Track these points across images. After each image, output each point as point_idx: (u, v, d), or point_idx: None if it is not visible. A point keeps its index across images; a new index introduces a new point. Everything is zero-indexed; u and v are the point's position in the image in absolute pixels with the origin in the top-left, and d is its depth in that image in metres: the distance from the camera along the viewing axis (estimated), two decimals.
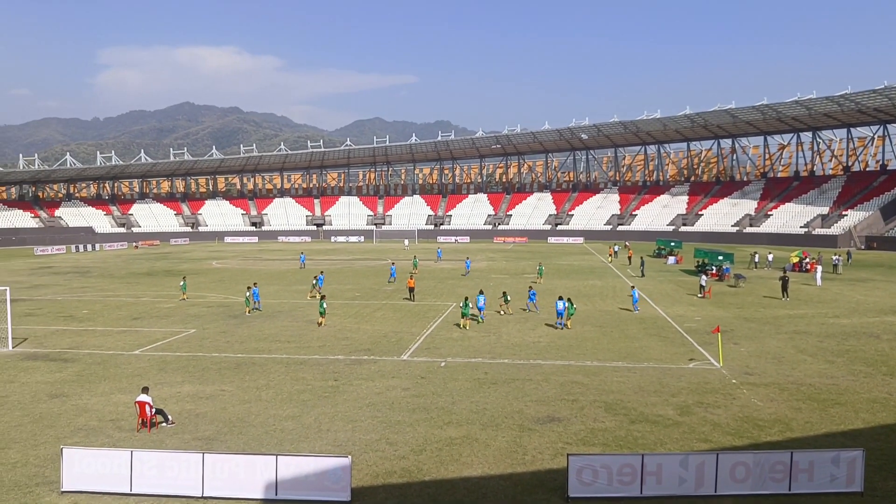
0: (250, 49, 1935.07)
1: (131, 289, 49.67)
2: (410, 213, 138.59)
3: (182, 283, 44.72)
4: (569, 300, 32.89)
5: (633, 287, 40.18)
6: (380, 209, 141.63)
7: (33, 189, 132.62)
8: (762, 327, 32.08)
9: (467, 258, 64.08)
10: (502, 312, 36.16)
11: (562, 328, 32.12)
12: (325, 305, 33.96)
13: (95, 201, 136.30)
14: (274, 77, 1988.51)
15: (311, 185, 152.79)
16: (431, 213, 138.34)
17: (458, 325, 32.72)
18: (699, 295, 42.45)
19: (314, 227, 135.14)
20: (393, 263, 56.01)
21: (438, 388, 21.67)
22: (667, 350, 27.23)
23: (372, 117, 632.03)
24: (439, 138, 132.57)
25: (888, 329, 31.37)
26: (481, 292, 36.14)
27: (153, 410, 18.06)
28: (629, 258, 68.58)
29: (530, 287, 41.07)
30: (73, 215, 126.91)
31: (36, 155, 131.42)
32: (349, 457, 13.95)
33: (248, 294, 38.42)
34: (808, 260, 58.39)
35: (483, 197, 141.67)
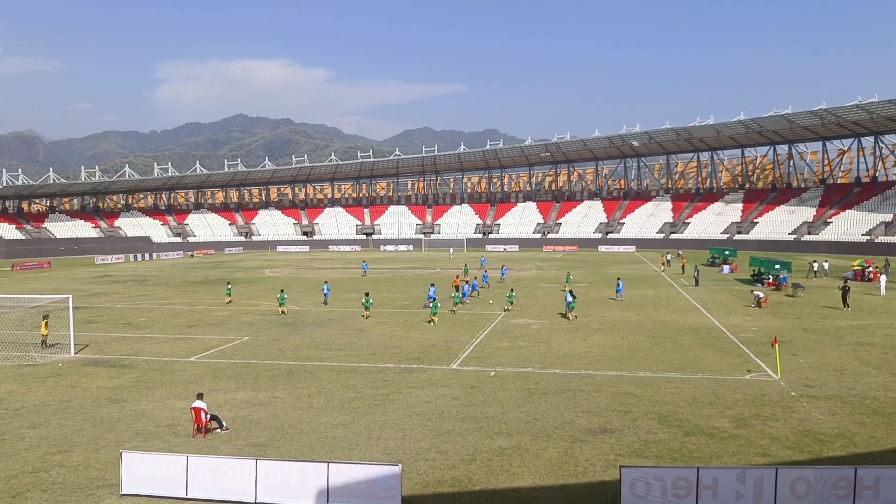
0: (301, 61, 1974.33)
1: (187, 297, 50.86)
2: (459, 221, 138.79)
3: (227, 287, 48.37)
4: (570, 293, 39.54)
5: (618, 278, 47.57)
6: (428, 218, 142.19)
7: (94, 200, 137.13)
8: (822, 338, 31.07)
9: (503, 266, 67.84)
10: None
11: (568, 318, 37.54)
12: (371, 300, 39.62)
13: (152, 211, 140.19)
14: (324, 88, 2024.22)
15: (360, 195, 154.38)
16: (480, 221, 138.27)
17: (430, 322, 36.49)
18: (753, 306, 41.36)
19: (364, 236, 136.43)
20: (486, 271, 60.62)
21: (488, 398, 21.56)
22: (722, 361, 26.59)
23: (420, 127, 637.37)
24: (487, 147, 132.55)
25: None
26: (433, 285, 44.93)
27: (208, 416, 18.40)
28: (682, 267, 67.34)
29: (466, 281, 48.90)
30: (132, 225, 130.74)
31: (97, 167, 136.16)
32: (399, 465, 13.96)
33: (281, 296, 42.29)
34: (870, 269, 56.44)
35: (532, 205, 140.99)
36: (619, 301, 44.40)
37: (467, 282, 49.49)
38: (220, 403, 21.02)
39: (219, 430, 18.50)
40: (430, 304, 38.51)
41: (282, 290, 44.00)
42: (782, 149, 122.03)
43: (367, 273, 68.15)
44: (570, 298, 38.27)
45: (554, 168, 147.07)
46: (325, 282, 49.99)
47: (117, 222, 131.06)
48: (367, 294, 40.40)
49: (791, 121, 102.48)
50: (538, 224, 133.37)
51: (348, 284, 58.28)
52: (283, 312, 40.56)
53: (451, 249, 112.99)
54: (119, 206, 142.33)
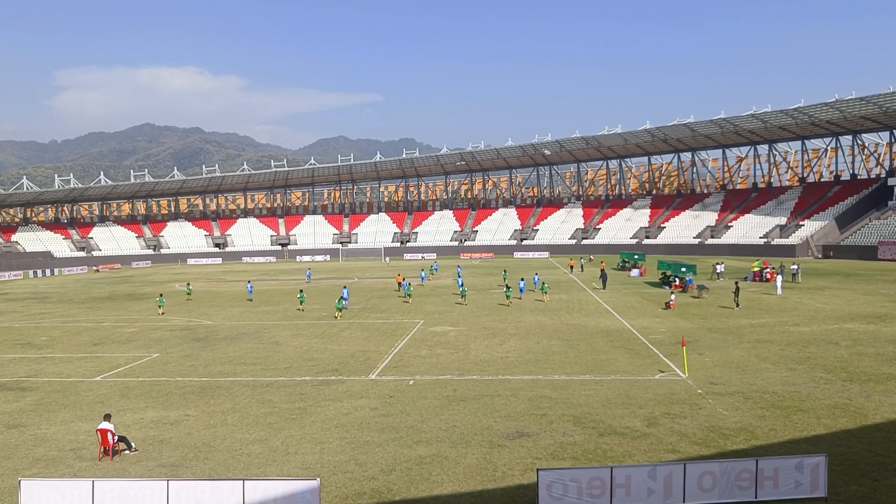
0: (212, 69, 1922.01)
1: (92, 314, 48.64)
2: (376, 230, 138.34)
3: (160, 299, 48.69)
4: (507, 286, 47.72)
5: (536, 274, 54.95)
6: (345, 227, 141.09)
7: None
8: (725, 337, 32.57)
9: (422, 270, 69.50)
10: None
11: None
12: (304, 295, 46.04)
13: (53, 225, 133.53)
14: (236, 97, 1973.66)
15: (275, 205, 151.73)
16: (397, 230, 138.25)
17: (335, 317, 41.24)
18: (662, 308, 42.95)
19: (279, 247, 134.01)
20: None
21: (407, 407, 21.55)
22: (633, 362, 27.48)
23: (336, 136, 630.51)
24: (404, 156, 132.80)
25: (846, 336, 32.08)
26: (345, 287, 49.50)
27: (115, 438, 17.65)
28: (602, 270, 69.12)
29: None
30: (31, 240, 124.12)
31: None
32: (318, 479, 13.77)
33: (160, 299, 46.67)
34: (768, 270, 59.52)
35: (449, 213, 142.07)
36: (522, 297, 50.42)
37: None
38: (129, 424, 20.20)
39: (127, 452, 17.78)
40: (336, 302, 43.16)
41: (161, 295, 48.35)
42: (686, 156, 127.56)
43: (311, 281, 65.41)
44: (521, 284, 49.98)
45: (469, 176, 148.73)
46: (249, 281, 56.18)
47: (14, 237, 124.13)
48: (301, 291, 47.51)
49: (693, 129, 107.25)
50: (455, 232, 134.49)
51: (262, 297, 57.09)
52: (161, 314, 45.16)
53: (387, 258, 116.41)
54: (16, 219, 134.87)
